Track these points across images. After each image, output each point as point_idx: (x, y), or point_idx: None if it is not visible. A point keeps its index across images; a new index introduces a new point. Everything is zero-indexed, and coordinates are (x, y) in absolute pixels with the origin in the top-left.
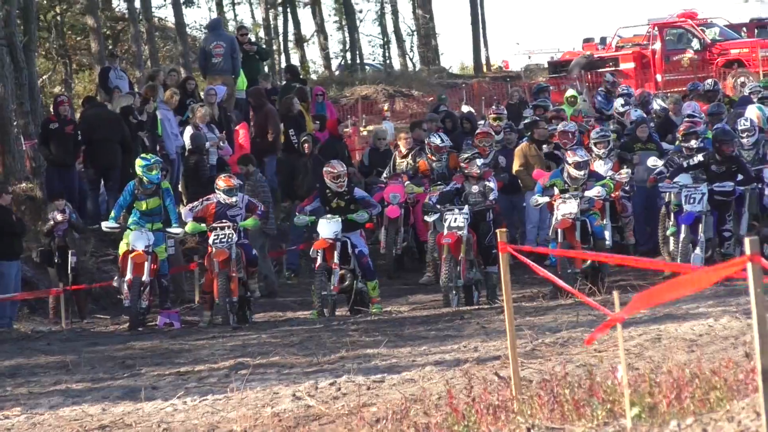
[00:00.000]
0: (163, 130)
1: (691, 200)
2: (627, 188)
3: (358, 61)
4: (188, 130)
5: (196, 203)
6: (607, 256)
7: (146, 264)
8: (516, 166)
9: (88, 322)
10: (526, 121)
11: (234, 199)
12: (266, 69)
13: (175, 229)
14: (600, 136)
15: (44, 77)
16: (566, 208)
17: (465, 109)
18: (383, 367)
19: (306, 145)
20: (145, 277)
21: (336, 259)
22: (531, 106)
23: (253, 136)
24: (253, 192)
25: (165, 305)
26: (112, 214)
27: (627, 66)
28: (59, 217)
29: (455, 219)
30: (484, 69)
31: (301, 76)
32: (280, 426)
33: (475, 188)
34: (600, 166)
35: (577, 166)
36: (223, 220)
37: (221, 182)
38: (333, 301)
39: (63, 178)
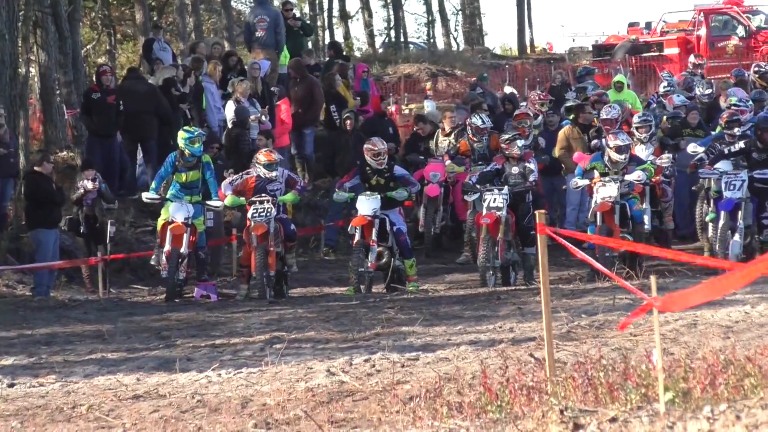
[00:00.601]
0: (207, 102)
1: (731, 187)
2: (667, 173)
3: (402, 39)
4: (230, 104)
5: (236, 176)
6: (645, 245)
7: (185, 236)
8: (558, 149)
9: (125, 292)
10: (568, 104)
11: (274, 173)
12: (310, 45)
13: (214, 202)
14: (641, 121)
15: (88, 47)
16: (606, 191)
17: (507, 90)
18: (418, 345)
19: (348, 121)
20: (183, 249)
21: (374, 237)
22: (573, 89)
23: (294, 109)
24: None
25: (202, 277)
26: (153, 185)
27: (671, 51)
28: (89, 185)
29: (494, 199)
30: (528, 50)
31: (344, 53)
32: (314, 401)
33: (515, 169)
34: (641, 151)
35: (618, 150)
36: (263, 195)
37: (262, 156)
38: (370, 278)
39: (104, 148)
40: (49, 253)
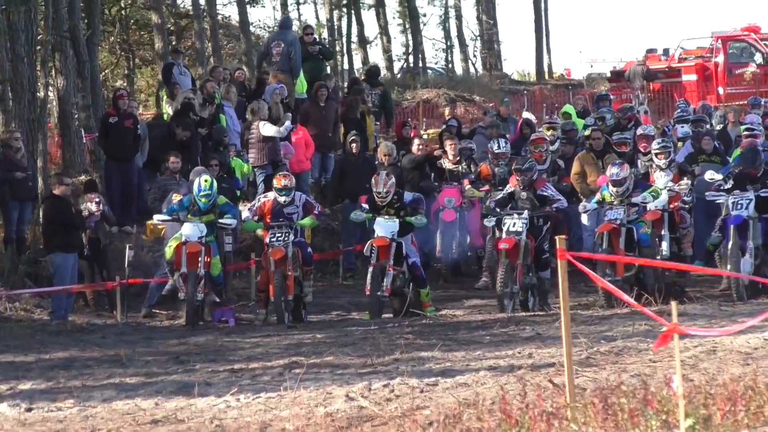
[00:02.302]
0: (227, 125)
1: (738, 206)
2: (687, 199)
3: (420, 64)
4: (269, 127)
5: (255, 201)
6: (651, 261)
7: (201, 257)
8: (573, 173)
9: (138, 316)
10: (586, 132)
11: (286, 198)
12: (329, 70)
13: (227, 220)
14: (661, 147)
15: (106, 71)
16: (612, 214)
17: (526, 115)
18: (437, 370)
19: (354, 145)
20: (200, 270)
21: (391, 261)
22: (593, 116)
23: (314, 132)
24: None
25: (221, 301)
26: (165, 209)
27: (689, 78)
28: (93, 208)
29: (514, 224)
30: (546, 76)
31: (379, 79)
32: (333, 426)
33: (523, 194)
34: (660, 177)
35: (614, 183)
36: (281, 219)
37: (275, 181)
38: (382, 303)
39: (122, 172)
40: (67, 277)
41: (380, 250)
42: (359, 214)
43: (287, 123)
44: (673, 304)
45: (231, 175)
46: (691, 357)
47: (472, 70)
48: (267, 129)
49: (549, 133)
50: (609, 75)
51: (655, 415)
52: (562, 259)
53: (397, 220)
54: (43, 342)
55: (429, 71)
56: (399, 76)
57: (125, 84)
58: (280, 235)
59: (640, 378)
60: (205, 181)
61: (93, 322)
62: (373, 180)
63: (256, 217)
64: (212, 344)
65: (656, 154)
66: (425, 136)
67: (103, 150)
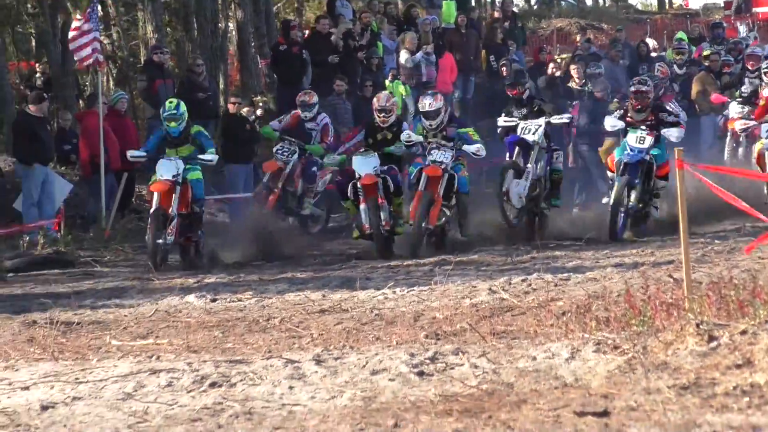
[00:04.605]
0: (384, 50)
1: None
2: None
3: None
4: (403, 54)
5: (285, 115)
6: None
7: (174, 195)
8: (694, 92)
9: None
10: (705, 52)
11: (308, 114)
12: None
13: (207, 155)
14: None
15: (279, 5)
16: (437, 155)
17: (648, 41)
18: (569, 267)
19: (503, 68)
20: (172, 209)
21: (381, 194)
22: (708, 41)
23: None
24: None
25: (194, 237)
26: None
27: None
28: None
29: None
30: (667, 6)
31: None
32: (477, 315)
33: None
34: None
35: (426, 116)
36: (293, 138)
37: (300, 96)
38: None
39: (291, 94)
40: (240, 185)
41: (365, 190)
42: (333, 157)
43: (419, 53)
44: None
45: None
46: None
47: (600, 1)
48: (403, 57)
49: (677, 57)
50: (723, 4)
51: (762, 305)
52: (680, 168)
53: (375, 153)
54: (221, 245)
55: (562, 2)
56: (535, 7)
57: (295, 16)
58: (285, 150)
59: (749, 273)
60: (170, 102)
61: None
62: (375, 99)
63: (279, 128)
64: (370, 245)
65: (765, 72)
66: (558, 60)
67: (275, 74)
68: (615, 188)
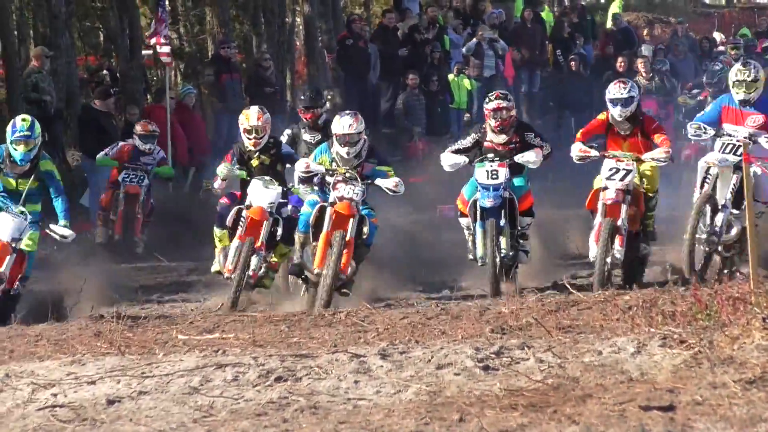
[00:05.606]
0: (450, 43)
1: None
2: None
3: None
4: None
5: (113, 146)
6: None
7: (7, 258)
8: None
9: None
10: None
11: (150, 146)
12: None
13: (60, 229)
14: None
15: None
16: (344, 190)
17: (716, 35)
18: None
19: (573, 63)
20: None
21: (260, 241)
22: None
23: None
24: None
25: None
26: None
27: None
28: None
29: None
30: (735, 0)
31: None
32: (543, 310)
33: None
34: None
35: (342, 141)
36: (138, 163)
37: (139, 127)
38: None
39: (358, 87)
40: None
41: (249, 225)
42: (229, 167)
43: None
44: None
45: (448, 91)
46: None
47: None
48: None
49: (733, 52)
50: None
51: None
52: (747, 162)
53: (280, 187)
54: None
55: None
56: (603, 1)
57: (362, 10)
58: (133, 177)
59: None
60: (23, 120)
61: None
62: (242, 117)
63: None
64: None
65: None
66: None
67: (341, 68)
68: (479, 239)
